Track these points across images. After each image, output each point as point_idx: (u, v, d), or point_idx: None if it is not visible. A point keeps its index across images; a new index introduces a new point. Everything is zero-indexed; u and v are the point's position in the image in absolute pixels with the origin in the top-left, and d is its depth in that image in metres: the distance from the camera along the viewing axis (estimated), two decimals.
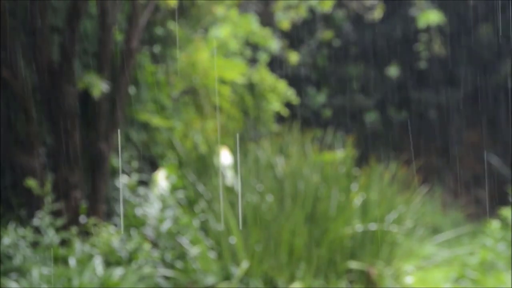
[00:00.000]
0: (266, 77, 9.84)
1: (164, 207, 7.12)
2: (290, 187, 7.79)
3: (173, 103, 8.71)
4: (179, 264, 6.83)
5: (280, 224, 7.51)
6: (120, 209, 7.43)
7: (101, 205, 7.19)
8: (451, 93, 14.39)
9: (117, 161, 7.80)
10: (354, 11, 12.14)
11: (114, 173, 7.71)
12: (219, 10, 9.31)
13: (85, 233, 6.78)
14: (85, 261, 6.25)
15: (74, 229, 6.53)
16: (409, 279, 7.93)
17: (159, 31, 8.67)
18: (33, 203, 6.70)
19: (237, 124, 9.45)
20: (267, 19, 10.96)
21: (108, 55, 7.21)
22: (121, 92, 7.28)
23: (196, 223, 7.20)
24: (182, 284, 6.80)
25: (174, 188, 7.38)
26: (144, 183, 7.72)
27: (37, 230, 6.42)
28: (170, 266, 6.82)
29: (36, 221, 6.42)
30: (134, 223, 7.01)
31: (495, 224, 7.88)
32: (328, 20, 13.91)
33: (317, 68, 14.32)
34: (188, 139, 8.60)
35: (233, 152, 8.24)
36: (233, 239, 7.38)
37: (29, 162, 6.86)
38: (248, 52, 10.27)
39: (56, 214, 6.58)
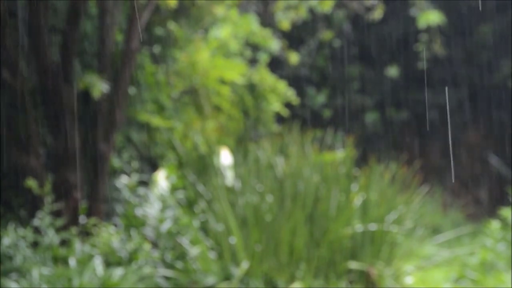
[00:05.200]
0: (266, 78, 9.84)
1: (164, 207, 7.12)
2: (290, 187, 7.79)
3: (173, 103, 8.71)
4: (179, 264, 6.83)
5: (280, 224, 7.51)
6: (121, 209, 7.43)
7: (101, 205, 7.19)
8: (451, 93, 14.39)
9: (117, 161, 7.81)
10: (354, 11, 12.15)
11: (114, 173, 7.71)
12: (219, 10, 9.31)
13: (85, 233, 6.78)
14: (85, 261, 6.25)
15: (74, 229, 6.53)
16: (409, 279, 7.92)
17: (159, 31, 8.67)
18: (33, 203, 6.70)
19: (237, 124, 9.45)
20: (267, 19, 10.96)
21: (108, 55, 7.21)
22: (121, 92, 7.28)
23: (196, 223, 7.20)
24: (182, 284, 6.80)
25: (174, 188, 7.38)
26: (144, 183, 7.72)
27: (37, 230, 6.42)
28: (170, 266, 6.82)
29: (36, 222, 6.41)
30: (134, 223, 7.01)
31: (495, 224, 7.88)
32: (328, 20, 13.91)
33: (317, 68, 14.32)
34: (188, 139, 8.60)
35: (233, 152, 8.25)
36: (233, 239, 7.38)
37: (29, 162, 6.86)
38: (248, 53, 10.27)
39: (56, 214, 6.58)
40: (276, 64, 11.81)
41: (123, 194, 7.32)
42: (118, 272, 6.22)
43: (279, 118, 10.18)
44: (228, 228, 7.42)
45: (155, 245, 6.93)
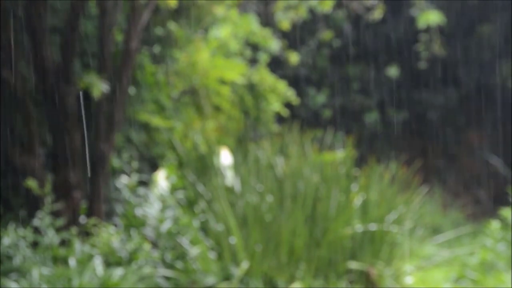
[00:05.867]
0: (266, 78, 9.84)
1: (164, 207, 7.11)
2: (290, 187, 7.78)
3: (173, 103, 8.71)
4: (179, 264, 6.83)
5: (280, 224, 7.51)
6: (121, 209, 7.43)
7: (101, 205, 7.19)
8: (451, 93, 14.39)
9: (117, 161, 7.80)
10: (354, 11, 12.15)
11: (114, 173, 7.71)
12: (219, 10, 9.31)
13: (85, 233, 6.77)
14: (85, 261, 6.25)
15: (74, 229, 6.53)
16: (409, 279, 7.92)
17: (159, 31, 8.67)
18: (33, 203, 6.70)
19: (237, 124, 9.45)
20: (267, 19, 10.96)
21: (108, 55, 7.21)
22: (121, 92, 7.28)
23: (196, 223, 7.20)
24: (182, 284, 6.80)
25: (174, 188, 7.37)
26: (144, 183, 7.72)
27: (37, 230, 6.41)
28: (170, 266, 6.82)
29: (36, 222, 6.41)
30: (134, 223, 7.00)
31: (495, 224, 7.87)
32: (328, 20, 13.91)
33: (317, 68, 14.32)
34: (188, 139, 8.60)
35: (233, 152, 8.24)
36: (233, 239, 7.38)
37: (29, 162, 6.86)
38: (248, 52, 10.27)
39: (56, 214, 6.58)
40: (276, 64, 11.81)
41: (123, 194, 7.31)
42: (118, 272, 6.22)
43: (279, 118, 10.18)
44: (228, 228, 7.42)
45: (155, 245, 6.93)
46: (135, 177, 7.40)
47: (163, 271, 6.75)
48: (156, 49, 8.68)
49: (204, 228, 7.42)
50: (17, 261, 6.12)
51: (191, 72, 8.91)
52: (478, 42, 14.18)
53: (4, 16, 6.74)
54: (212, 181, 7.80)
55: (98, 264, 6.24)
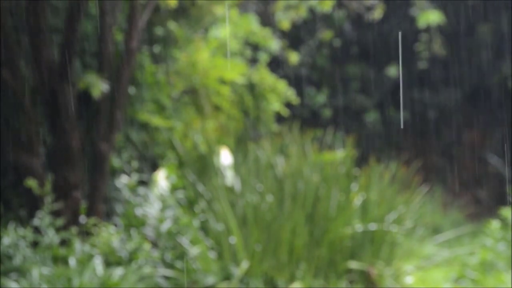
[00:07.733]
0: (266, 77, 9.84)
1: (164, 207, 7.12)
2: (290, 187, 7.79)
3: (173, 103, 8.71)
4: (179, 264, 6.84)
5: (280, 224, 7.51)
6: (121, 209, 7.43)
7: (101, 205, 7.19)
8: (451, 93, 14.39)
9: (117, 161, 7.81)
10: (354, 11, 12.15)
11: (114, 173, 7.71)
12: (219, 10, 9.31)
13: (85, 233, 6.78)
14: (85, 261, 6.25)
15: (74, 229, 6.53)
16: (409, 279, 7.93)
17: (159, 31, 8.67)
18: (33, 203, 6.71)
19: (237, 124, 9.45)
20: (267, 19, 10.97)
21: (108, 55, 7.21)
22: (121, 92, 7.28)
23: (196, 223, 7.20)
24: (182, 284, 6.80)
25: (174, 188, 7.38)
26: (144, 183, 7.72)
27: (37, 230, 6.42)
28: (170, 266, 6.82)
29: (36, 221, 6.42)
30: (134, 223, 7.01)
31: (495, 224, 7.87)
32: (328, 20, 13.91)
33: (317, 68, 14.32)
34: (188, 139, 8.60)
35: (233, 152, 8.25)
36: (233, 239, 7.38)
37: (29, 162, 6.86)
38: (248, 52, 10.27)
39: (56, 214, 6.58)
40: (276, 64, 11.81)
41: (123, 194, 7.32)
42: (118, 272, 6.22)
43: (279, 118, 10.18)
44: (228, 228, 7.42)
45: (155, 245, 6.93)
46: (135, 177, 7.40)
47: (163, 271, 6.76)
48: (156, 49, 8.68)
49: (204, 228, 7.43)
50: (17, 261, 6.12)
51: (191, 72, 8.91)
52: (478, 42, 14.18)
53: (4, 16, 6.74)
54: (212, 181, 7.80)
55: (98, 264, 6.24)
